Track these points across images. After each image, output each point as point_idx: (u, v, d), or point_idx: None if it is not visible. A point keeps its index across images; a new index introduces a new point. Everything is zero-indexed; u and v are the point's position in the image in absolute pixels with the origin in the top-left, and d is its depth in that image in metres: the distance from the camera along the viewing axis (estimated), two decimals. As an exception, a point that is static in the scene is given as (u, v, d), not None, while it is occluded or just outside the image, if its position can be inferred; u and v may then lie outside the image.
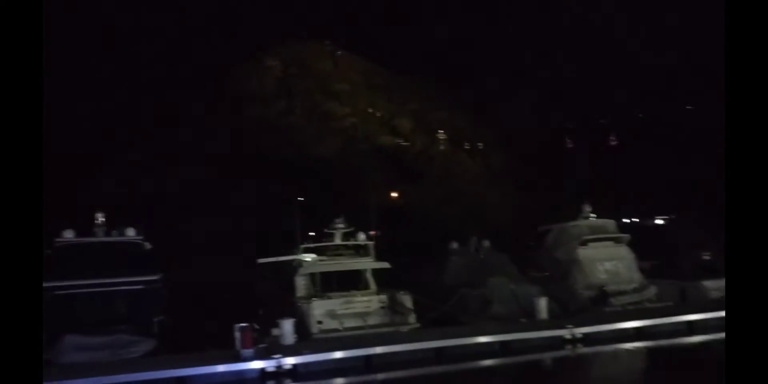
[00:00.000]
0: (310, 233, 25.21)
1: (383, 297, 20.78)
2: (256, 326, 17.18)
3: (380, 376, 16.95)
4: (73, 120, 51.25)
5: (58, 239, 20.59)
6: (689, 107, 62.27)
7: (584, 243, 25.94)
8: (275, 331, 18.51)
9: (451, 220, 48.25)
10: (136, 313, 18.76)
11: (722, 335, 19.99)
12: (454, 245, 26.85)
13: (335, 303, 20.16)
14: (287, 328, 18.47)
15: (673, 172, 60.40)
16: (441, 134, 74.76)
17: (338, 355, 17.13)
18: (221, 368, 16.08)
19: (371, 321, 20.15)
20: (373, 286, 21.68)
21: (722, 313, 21.47)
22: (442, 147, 74.68)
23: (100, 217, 21.49)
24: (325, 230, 23.33)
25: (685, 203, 34.66)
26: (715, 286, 25.53)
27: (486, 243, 26.96)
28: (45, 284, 18.46)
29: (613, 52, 76.44)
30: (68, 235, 20.88)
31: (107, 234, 21.46)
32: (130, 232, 21.65)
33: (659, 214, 55.90)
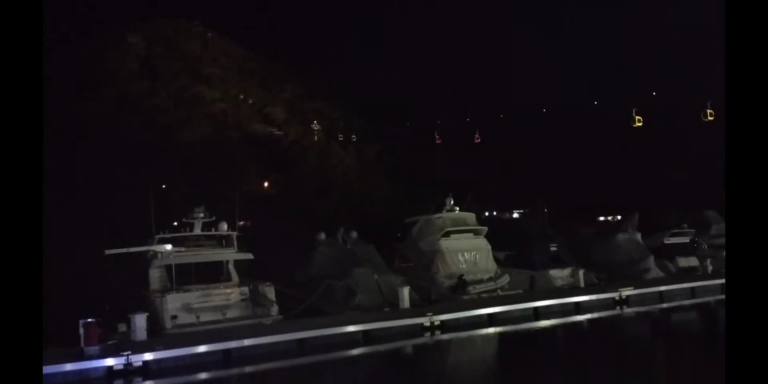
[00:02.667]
0: (174, 223, 23.80)
1: (245, 289, 20.15)
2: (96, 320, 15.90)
3: (239, 370, 16.44)
4: None
5: None
6: (544, 110, 67.21)
7: (446, 234, 27.06)
8: (122, 327, 17.30)
9: (323, 210, 48.14)
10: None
11: (565, 320, 22.05)
12: (322, 236, 26.76)
13: (192, 296, 19.22)
14: (139, 323, 17.36)
15: (530, 169, 65.03)
16: (315, 125, 74.28)
17: (194, 350, 16.37)
18: (63, 367, 14.76)
19: (231, 314, 19.47)
20: (234, 277, 20.92)
21: (565, 300, 23.49)
22: (316, 138, 74.23)
23: None
24: (184, 220, 22.09)
25: (536, 198, 37.51)
26: (560, 274, 27.95)
27: (354, 234, 27.17)
28: None
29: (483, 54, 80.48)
30: None
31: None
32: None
33: (514, 208, 60.10)
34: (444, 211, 28.68)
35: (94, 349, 15.44)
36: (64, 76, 59.39)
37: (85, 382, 14.85)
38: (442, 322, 20.17)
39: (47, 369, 14.49)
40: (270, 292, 19.98)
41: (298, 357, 17.34)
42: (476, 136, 53.66)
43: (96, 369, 15.19)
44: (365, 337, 18.85)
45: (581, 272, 27.23)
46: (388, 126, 72.54)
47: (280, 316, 19.71)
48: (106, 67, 71.09)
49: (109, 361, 15.29)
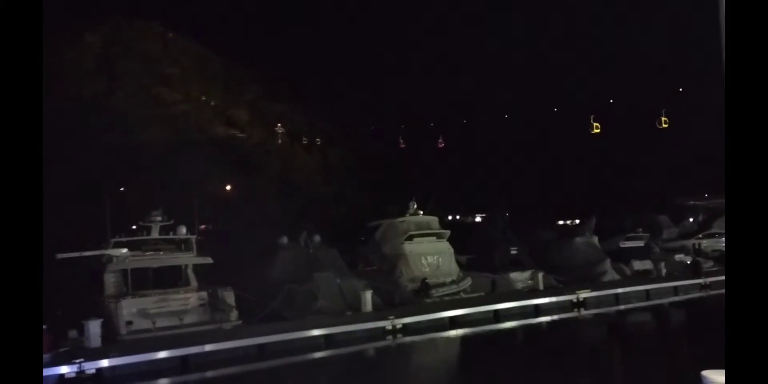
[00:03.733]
0: (133, 226, 23.23)
1: (203, 294, 19.80)
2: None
3: (197, 376, 16.13)
4: None
5: None
6: (506, 116, 68.29)
7: (410, 238, 27.19)
8: (72, 334, 16.79)
9: (286, 214, 47.74)
10: None
11: (525, 322, 22.39)
12: (284, 240, 26.54)
13: (148, 301, 18.77)
14: (93, 329, 16.89)
15: (489, 175, 65.90)
16: (279, 128, 73.62)
17: (150, 356, 16.01)
18: (9, 377, 14.21)
19: (189, 319, 19.09)
20: (193, 282, 20.53)
21: (525, 302, 23.86)
22: (279, 141, 73.57)
23: None
24: (141, 223, 21.59)
25: (496, 203, 38.08)
26: (520, 277, 28.40)
27: (317, 238, 27.03)
28: None
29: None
30: None
31: None
32: None
33: (476, 212, 60.79)
34: (407, 215, 28.83)
35: (45, 356, 14.92)
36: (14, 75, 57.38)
37: (35, 391, 14.33)
38: (404, 325, 20.23)
39: (-7, 378, 13.95)
40: (230, 296, 19.68)
41: (258, 362, 17.13)
42: (440, 140, 54.09)
43: (47, 378, 14.67)
44: (327, 341, 18.76)
45: (540, 275, 27.72)
46: (353, 130, 72.51)
47: (240, 322, 19.44)
48: (62, 65, 69.03)
49: (61, 369, 14.85)
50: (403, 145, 55.63)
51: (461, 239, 29.94)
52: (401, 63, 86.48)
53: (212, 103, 75.44)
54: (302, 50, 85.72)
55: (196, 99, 75.15)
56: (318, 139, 70.39)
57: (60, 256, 19.29)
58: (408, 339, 19.80)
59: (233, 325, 19.22)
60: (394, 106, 75.78)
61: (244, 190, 57.94)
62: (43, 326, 15.05)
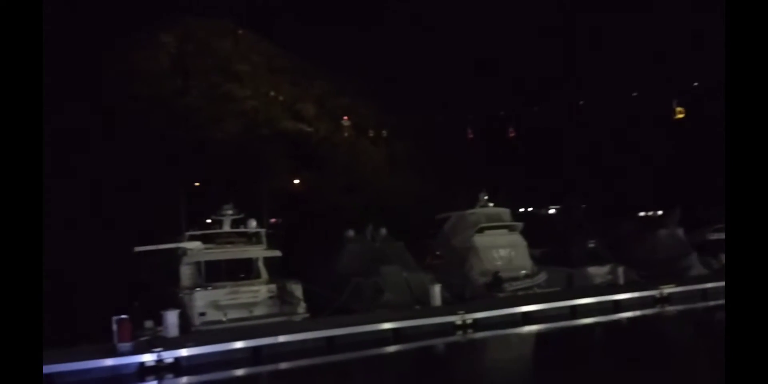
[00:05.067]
0: (207, 220, 23.87)
1: (272, 286, 19.99)
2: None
3: (268, 367, 16.29)
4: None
5: None
6: (582, 102, 65.75)
7: (480, 230, 26.50)
8: (148, 324, 17.28)
9: (352, 207, 47.97)
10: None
11: (603, 318, 21.33)
12: (350, 233, 26.48)
13: (219, 293, 19.13)
14: (170, 319, 17.32)
15: (565, 165, 63.70)
16: (345, 121, 74.16)
17: (225, 346, 16.26)
18: (94, 364, 14.76)
19: (258, 311, 19.34)
20: (264, 275, 20.79)
21: (604, 298, 22.74)
22: (345, 134, 74.11)
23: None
24: (213, 217, 22.08)
25: (573, 194, 36.57)
26: (599, 272, 27.12)
27: (383, 231, 26.83)
28: None
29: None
30: None
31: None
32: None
33: (551, 203, 58.89)
34: (477, 207, 28.12)
35: (126, 345, 15.43)
36: (97, 74, 60.57)
37: (118, 378, 14.87)
38: (474, 320, 19.67)
39: (77, 365, 14.54)
40: (297, 289, 19.80)
41: (327, 355, 17.10)
42: (510, 130, 52.70)
43: (128, 365, 15.14)
44: (395, 336, 18.50)
45: (621, 269, 26.36)
46: (420, 121, 71.97)
47: (308, 314, 19.52)
48: (139, 65, 72.24)
49: (142, 358, 15.24)
50: (471, 136, 54.63)
51: (535, 232, 28.92)
52: (466, 53, 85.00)
53: (280, 98, 76.89)
54: (368, 43, 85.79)
55: (265, 94, 76.82)
56: (384, 132, 70.36)
57: (138, 249, 19.99)
58: (479, 335, 19.25)
59: (302, 317, 19.32)
60: (462, 96, 74.64)
61: (311, 183, 58.74)
62: (124, 316, 15.58)
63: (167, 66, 75.32)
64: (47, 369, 14.10)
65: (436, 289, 21.49)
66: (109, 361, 14.93)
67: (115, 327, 15.52)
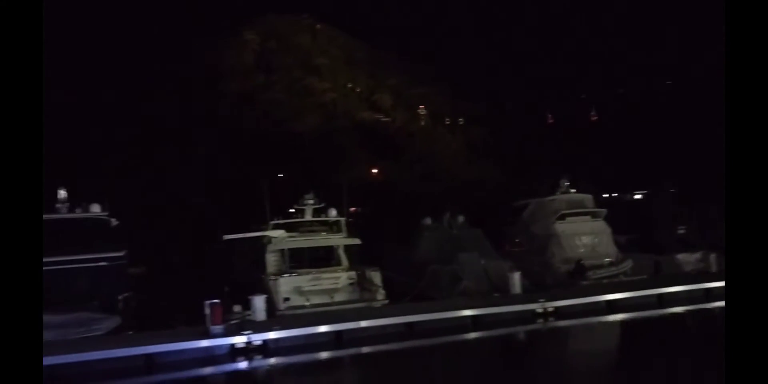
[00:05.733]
0: (290, 209, 24.81)
1: (352, 273, 20.54)
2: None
3: (351, 351, 16.82)
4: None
5: (19, 216, 19.91)
6: (668, 82, 62.31)
7: (562, 217, 25.90)
8: (236, 308, 18.21)
9: (430, 195, 48.02)
10: (100, 290, 18.31)
11: (693, 307, 20.37)
12: (428, 221, 26.59)
13: (302, 279, 19.90)
14: (258, 304, 18.18)
15: (651, 148, 60.70)
16: (421, 110, 74.11)
17: (309, 330, 16.93)
18: (190, 345, 15.80)
19: (338, 297, 19.96)
20: (344, 262, 21.41)
21: (694, 286, 21.68)
22: (422, 123, 74.10)
23: (63, 193, 20.81)
24: (295, 206, 22.91)
25: (661, 178, 34.85)
26: (690, 259, 25.80)
27: (460, 218, 26.76)
28: (4, 262, 18.02)
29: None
30: (30, 211, 20.15)
31: (71, 210, 20.80)
32: (95, 209, 21.00)
33: (636, 189, 56.36)
34: (558, 193, 27.46)
35: (218, 328, 16.31)
36: (186, 74, 63.76)
37: (211, 358, 15.82)
38: (556, 308, 19.34)
39: (174, 346, 15.62)
40: (376, 276, 20.23)
41: (407, 340, 17.41)
42: (592, 113, 50.75)
43: (221, 346, 16.05)
44: (474, 323, 18.52)
45: (713, 256, 24.95)
46: (497, 108, 70.73)
47: (386, 301, 19.91)
48: (226, 64, 75.35)
49: (233, 340, 16.09)
50: (551, 120, 53.12)
51: (620, 218, 27.87)
52: (546, 36, 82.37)
53: (357, 90, 77.85)
54: (442, 31, 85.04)
55: (343, 86, 78.03)
56: (461, 119, 69.77)
57: (226, 237, 21.11)
58: (560, 323, 18.92)
59: (381, 303, 19.74)
60: (541, 80, 72.61)
61: (389, 172, 59.27)
62: (216, 300, 16.53)
63: (251, 63, 78.09)
64: (148, 349, 15.29)
65: (516, 277, 21.28)
66: (204, 343, 15.90)
67: (207, 311, 16.44)
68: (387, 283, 20.59)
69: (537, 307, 19.22)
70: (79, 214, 20.76)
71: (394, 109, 76.19)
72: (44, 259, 17.95)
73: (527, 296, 20.30)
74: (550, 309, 19.26)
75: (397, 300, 20.24)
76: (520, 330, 18.66)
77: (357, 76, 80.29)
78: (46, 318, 16.46)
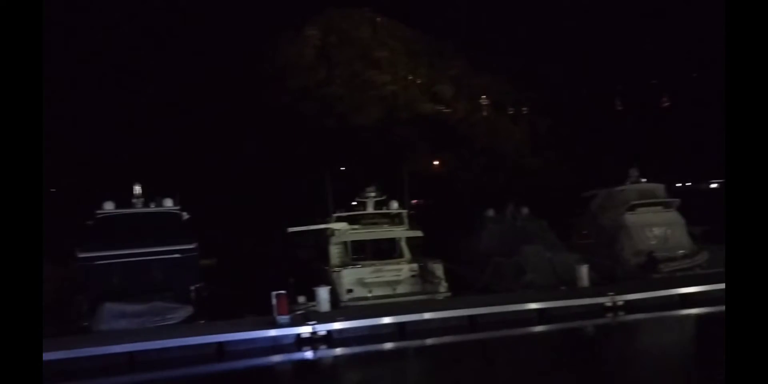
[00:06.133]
0: (353, 202, 25.12)
1: (414, 266, 20.57)
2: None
3: (413, 342, 16.89)
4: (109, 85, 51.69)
5: (98, 211, 21.11)
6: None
7: (632, 208, 24.98)
8: (301, 299, 18.58)
9: (493, 187, 47.34)
10: (174, 281, 19.14)
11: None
12: (490, 213, 26.23)
13: (365, 271, 20.10)
14: (322, 295, 18.51)
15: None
16: (483, 100, 73.04)
17: (372, 322, 17.10)
18: (258, 334, 16.29)
19: (401, 289, 20.04)
20: (406, 254, 21.48)
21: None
22: (484, 113, 73.05)
23: (138, 189, 21.87)
24: (357, 199, 23.16)
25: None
26: (772, 251, 24.31)
27: (525, 210, 26.24)
28: (86, 254, 19.17)
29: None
30: (108, 206, 21.34)
31: (145, 205, 21.84)
32: (168, 203, 21.96)
33: (712, 177, 53.48)
34: (628, 183, 26.48)
35: (284, 318, 16.73)
36: (251, 71, 65.44)
37: (278, 347, 16.26)
38: (626, 302, 18.69)
39: (243, 335, 16.14)
40: (438, 269, 20.19)
41: (470, 333, 17.29)
42: (664, 99, 48.49)
43: (288, 336, 16.49)
44: (540, 316, 18.17)
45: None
46: (562, 95, 68.73)
47: (449, 293, 19.84)
48: (288, 60, 76.79)
49: (299, 330, 16.48)
50: (620, 107, 51.13)
51: (695, 208, 26.58)
52: (615, 19, 79.16)
53: (418, 82, 77.57)
54: (503, 19, 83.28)
55: (404, 79, 77.95)
56: (524, 109, 68.28)
57: (291, 229, 21.60)
58: (631, 317, 18.28)
59: (443, 296, 19.69)
60: (609, 65, 69.93)
61: (451, 163, 58.86)
62: (282, 291, 16.94)
63: (312, 58, 79.25)
64: (219, 338, 15.88)
65: (584, 270, 20.69)
66: (272, 332, 16.35)
67: (274, 301, 16.88)
68: (449, 276, 20.52)
69: (606, 300, 18.64)
70: (153, 208, 21.76)
71: (455, 100, 75.47)
72: (123, 252, 19.09)
73: (596, 289, 19.71)
74: (620, 303, 18.63)
75: (460, 292, 20.13)
76: (588, 324, 18.15)
77: (417, 67, 79.96)
78: (126, 307, 17.43)
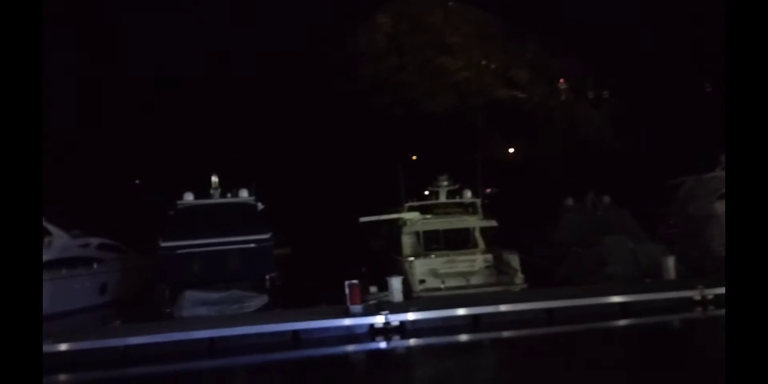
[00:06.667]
0: (425, 192, 24.94)
1: (489, 256, 20.14)
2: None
3: (488, 334, 16.54)
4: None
5: (179, 202, 21.99)
6: None
7: (723, 197, 23.38)
8: (372, 289, 18.58)
9: (572, 174, 45.69)
10: (249, 270, 19.70)
11: None
12: (569, 202, 25.27)
13: (437, 262, 19.87)
14: (395, 285, 18.46)
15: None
16: (561, 84, 70.39)
17: (446, 313, 16.87)
18: (333, 323, 16.46)
19: (475, 280, 19.66)
20: (481, 244, 21.07)
21: None
22: (562, 97, 70.42)
23: (215, 180, 22.61)
24: (429, 188, 22.91)
25: None
26: None
27: (606, 198, 25.11)
28: (168, 244, 20.04)
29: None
30: (188, 197, 22.18)
31: (222, 195, 22.56)
32: (244, 194, 22.58)
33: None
34: (718, 170, 24.76)
35: (358, 307, 16.84)
36: (322, 60, 66.04)
37: (352, 336, 16.37)
38: (716, 296, 17.49)
39: (318, 323, 16.34)
40: (514, 259, 19.66)
41: (549, 326, 16.73)
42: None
43: (361, 325, 16.56)
44: (623, 310, 17.33)
45: None
46: (646, 78, 65.05)
47: (525, 285, 19.29)
48: (359, 48, 77.03)
49: (372, 319, 16.51)
50: (709, 89, 47.87)
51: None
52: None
53: (492, 67, 75.76)
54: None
55: (477, 64, 76.40)
56: (605, 92, 65.23)
57: (362, 219, 21.67)
58: (722, 312, 17.06)
59: (519, 287, 19.16)
60: (697, 45, 65.47)
61: (527, 151, 57.29)
62: (355, 281, 17.01)
63: (384, 46, 79.12)
64: (295, 326, 16.15)
65: (670, 262, 19.54)
66: (347, 321, 16.47)
67: (347, 290, 16.97)
68: (525, 267, 19.95)
69: (694, 294, 17.54)
70: (229, 199, 22.46)
71: (531, 84, 73.20)
72: (202, 241, 19.85)
73: (683, 282, 18.60)
74: (710, 296, 17.48)
75: (537, 285, 19.54)
76: (675, 318, 17.15)
77: (491, 52, 78.08)
78: (205, 295, 18.10)
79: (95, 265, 23.95)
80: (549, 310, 17.10)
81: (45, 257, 22.16)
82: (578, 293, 17.98)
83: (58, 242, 23.11)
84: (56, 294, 21.10)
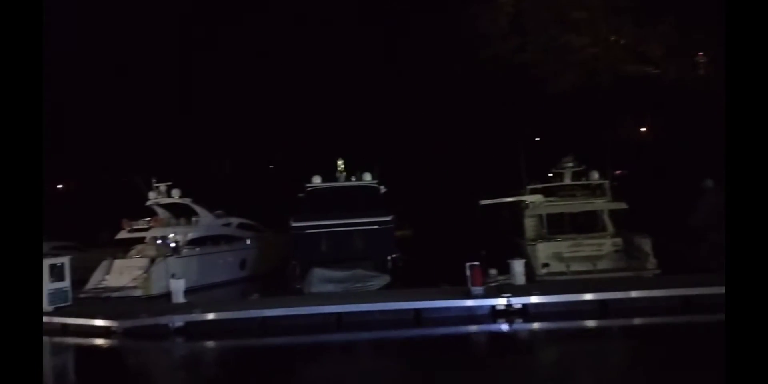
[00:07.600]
0: (549, 174, 24.29)
1: (618, 240, 19.21)
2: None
3: (617, 321, 15.91)
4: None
5: (308, 184, 23.25)
6: None
7: None
8: (492, 271, 18.47)
9: (712, 154, 41.86)
10: (372, 250, 20.42)
11: None
12: (709, 183, 23.34)
13: (562, 245, 19.31)
14: (517, 268, 18.28)
15: None
16: (699, 58, 64.48)
17: (572, 298, 16.44)
18: (455, 303, 16.68)
19: (602, 265, 18.86)
20: (609, 228, 20.15)
21: None
22: (700, 72, 64.52)
23: (341, 163, 23.61)
24: (553, 170, 22.21)
25: None
26: None
27: (753, 179, 22.87)
28: (298, 224, 21.32)
29: None
30: (316, 180, 23.39)
31: (347, 179, 23.53)
32: (367, 177, 23.37)
33: None
34: None
35: (479, 289, 16.92)
36: (442, 42, 65.46)
37: (472, 317, 16.48)
38: None
39: (439, 303, 16.62)
40: (646, 244, 18.59)
41: (684, 315, 15.74)
42: None
43: (483, 307, 16.62)
44: None
45: None
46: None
47: (658, 270, 18.20)
48: (480, 29, 75.54)
49: (494, 301, 16.51)
50: None
51: None
52: None
53: (622, 42, 71.02)
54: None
55: (605, 40, 71.97)
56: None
57: (483, 202, 21.54)
58: None
59: (651, 273, 18.14)
60: None
61: (661, 130, 53.31)
62: (476, 263, 17.06)
63: (505, 25, 77.01)
64: (418, 305, 16.56)
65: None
66: (469, 302, 16.61)
67: (468, 272, 17.07)
68: (659, 252, 18.80)
69: None
70: (354, 182, 23.37)
71: (666, 59, 67.77)
72: (329, 222, 20.91)
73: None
74: None
75: (671, 271, 18.38)
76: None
77: (621, 26, 73.13)
78: (332, 273, 19.10)
79: (237, 243, 26.18)
80: (685, 298, 16.08)
81: (192, 235, 24.51)
82: (717, 281, 16.69)
83: (203, 221, 25.54)
84: (203, 267, 23.38)
